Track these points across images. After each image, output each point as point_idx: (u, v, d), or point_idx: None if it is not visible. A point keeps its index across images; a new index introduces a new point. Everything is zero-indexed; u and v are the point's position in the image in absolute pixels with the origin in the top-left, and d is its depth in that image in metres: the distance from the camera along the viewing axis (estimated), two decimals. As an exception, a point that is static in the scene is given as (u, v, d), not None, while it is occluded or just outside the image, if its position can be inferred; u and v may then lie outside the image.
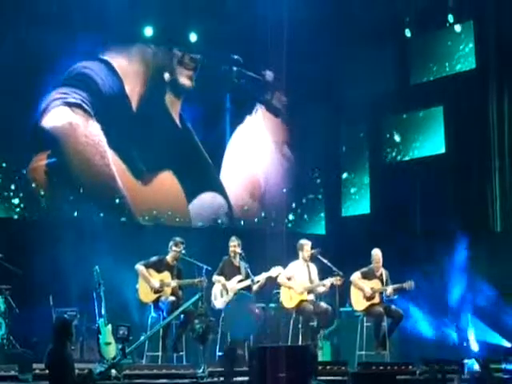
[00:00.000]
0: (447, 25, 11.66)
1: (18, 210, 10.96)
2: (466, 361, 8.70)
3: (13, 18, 10.72)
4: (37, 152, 11.02)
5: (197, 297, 8.74)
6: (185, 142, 12.16)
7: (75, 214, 11.19)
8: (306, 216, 13.09)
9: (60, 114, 11.19)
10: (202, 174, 12.26)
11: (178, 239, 9.57)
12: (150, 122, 11.81)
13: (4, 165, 10.85)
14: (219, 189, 12.41)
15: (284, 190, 12.82)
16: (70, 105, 11.26)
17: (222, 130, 12.62)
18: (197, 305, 8.80)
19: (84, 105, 11.33)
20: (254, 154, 12.78)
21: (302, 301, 9.83)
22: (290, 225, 12.88)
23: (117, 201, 11.51)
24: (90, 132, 11.37)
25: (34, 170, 10.98)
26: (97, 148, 11.41)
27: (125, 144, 11.57)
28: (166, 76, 12.08)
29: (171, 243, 9.58)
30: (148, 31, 11.81)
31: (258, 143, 12.82)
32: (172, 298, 9.37)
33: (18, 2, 10.74)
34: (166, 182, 11.93)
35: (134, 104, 11.79)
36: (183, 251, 9.52)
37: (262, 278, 9.70)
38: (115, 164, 11.50)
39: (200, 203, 12.17)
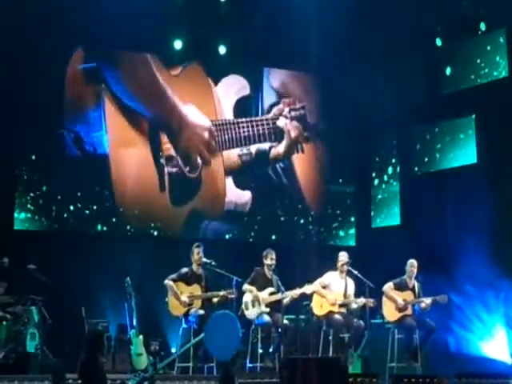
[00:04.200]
0: (479, 33, 11.54)
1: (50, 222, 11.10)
2: None
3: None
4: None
5: None
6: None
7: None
8: (336, 228, 13.04)
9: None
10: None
11: (194, 245, 9.54)
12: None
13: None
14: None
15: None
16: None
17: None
18: None
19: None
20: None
21: (331, 311, 9.79)
22: (320, 237, 12.85)
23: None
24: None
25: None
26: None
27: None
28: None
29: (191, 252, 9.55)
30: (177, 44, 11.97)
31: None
32: (201, 312, 9.35)
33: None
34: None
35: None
36: (213, 262, 9.50)
37: (295, 293, 9.61)
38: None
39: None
